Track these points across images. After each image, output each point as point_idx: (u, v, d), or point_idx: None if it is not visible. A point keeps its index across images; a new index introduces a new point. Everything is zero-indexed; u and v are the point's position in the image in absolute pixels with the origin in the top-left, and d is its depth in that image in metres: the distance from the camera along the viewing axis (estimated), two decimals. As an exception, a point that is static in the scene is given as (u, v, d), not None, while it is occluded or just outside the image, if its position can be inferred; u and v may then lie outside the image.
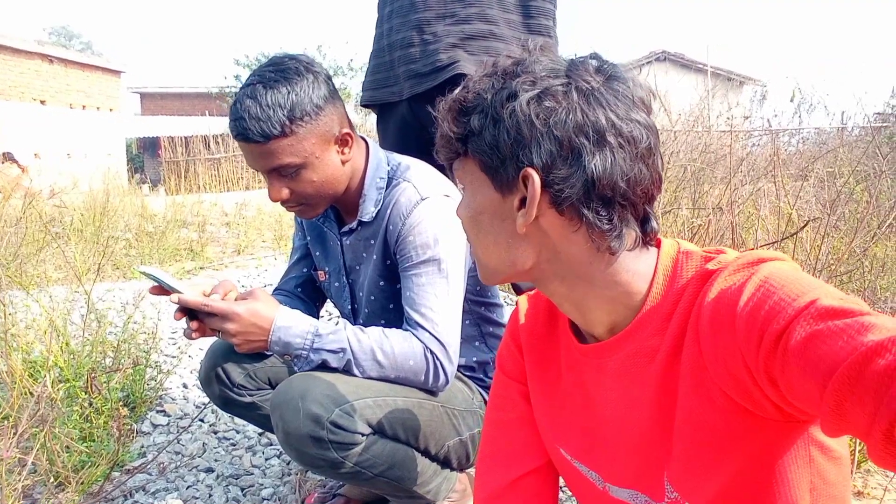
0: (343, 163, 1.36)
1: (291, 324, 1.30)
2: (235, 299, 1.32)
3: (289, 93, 1.25)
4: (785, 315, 0.61)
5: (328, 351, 1.30)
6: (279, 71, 1.28)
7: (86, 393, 2.08)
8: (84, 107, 17.10)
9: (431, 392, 1.40)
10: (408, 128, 1.79)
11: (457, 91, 0.80)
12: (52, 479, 1.65)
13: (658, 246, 0.83)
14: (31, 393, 1.91)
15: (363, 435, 1.27)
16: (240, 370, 1.54)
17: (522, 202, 0.76)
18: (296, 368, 1.34)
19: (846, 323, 0.57)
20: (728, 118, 5.38)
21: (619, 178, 0.74)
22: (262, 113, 1.23)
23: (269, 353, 1.50)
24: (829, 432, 0.59)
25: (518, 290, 1.46)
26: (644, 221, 0.79)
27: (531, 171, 0.73)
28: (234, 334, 1.27)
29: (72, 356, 2.23)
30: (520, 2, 1.66)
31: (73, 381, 2.09)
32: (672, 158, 3.98)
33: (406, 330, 1.35)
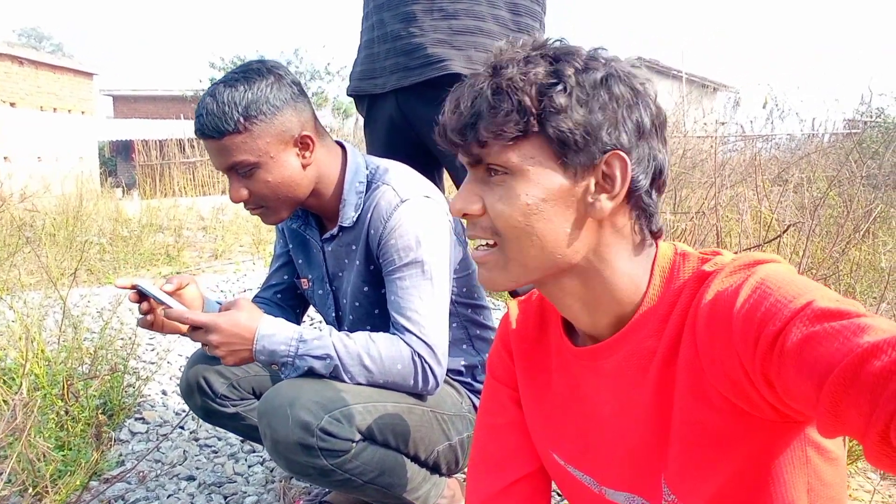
0: (304, 166, 1.35)
1: (275, 331, 1.28)
2: (220, 310, 1.30)
3: (245, 91, 1.26)
4: (781, 317, 0.61)
5: (314, 357, 1.28)
6: (243, 72, 1.30)
7: (62, 401, 2.03)
8: (55, 109, 16.78)
9: (420, 396, 1.39)
10: (395, 127, 1.78)
11: (517, 67, 0.73)
12: (29, 489, 1.60)
13: (656, 247, 0.83)
14: (5, 401, 1.85)
15: (353, 442, 1.25)
16: (222, 380, 1.52)
17: (599, 187, 0.75)
18: (283, 376, 1.32)
19: (842, 324, 0.57)
20: (704, 124, 5.44)
21: (667, 167, 0.78)
22: (218, 109, 1.25)
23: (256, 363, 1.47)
24: (825, 433, 0.59)
25: (514, 294, 1.45)
26: (651, 216, 0.81)
27: (621, 152, 0.74)
28: (217, 345, 1.24)
29: (47, 363, 2.17)
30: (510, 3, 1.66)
31: (49, 388, 2.03)
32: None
33: (393, 334, 1.34)
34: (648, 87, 0.77)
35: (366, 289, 1.45)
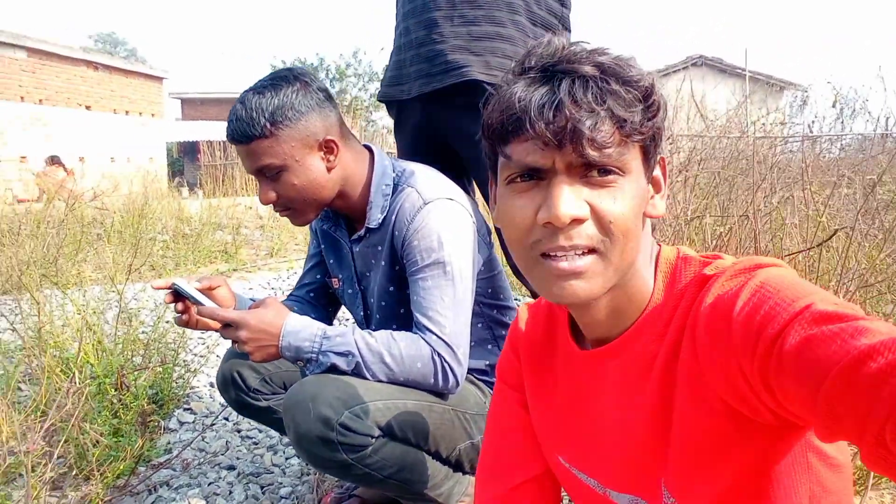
0: (329, 170, 1.40)
1: (300, 328, 1.33)
2: (249, 308, 1.36)
3: (272, 97, 1.32)
4: (780, 320, 0.61)
5: (336, 353, 1.32)
6: (271, 80, 1.36)
7: (116, 389, 2.14)
8: (127, 112, 17.59)
9: (442, 395, 1.41)
10: (422, 132, 1.82)
11: (634, 69, 0.72)
12: (79, 472, 1.71)
13: (658, 251, 0.84)
14: (60, 389, 1.98)
15: (372, 437, 1.29)
16: (255, 375, 1.59)
17: (656, 188, 0.80)
18: (307, 372, 1.37)
19: (840, 327, 0.56)
20: (762, 124, 5.27)
21: None
22: (246, 115, 1.31)
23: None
24: (823, 437, 0.59)
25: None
26: None
27: (663, 154, 0.78)
28: (245, 341, 1.30)
29: (104, 354, 2.30)
30: (527, 5, 1.67)
31: (104, 377, 2.16)
32: (703, 165, 3.93)
33: (415, 333, 1.37)
34: None
35: (391, 288, 1.48)
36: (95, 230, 5.91)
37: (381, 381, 1.34)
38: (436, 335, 1.35)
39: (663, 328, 0.79)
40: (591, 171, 0.71)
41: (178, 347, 2.48)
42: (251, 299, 1.48)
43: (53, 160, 13.21)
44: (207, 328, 1.38)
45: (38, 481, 1.46)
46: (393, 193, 1.45)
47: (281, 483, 1.87)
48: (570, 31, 1.79)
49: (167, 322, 2.66)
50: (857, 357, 0.53)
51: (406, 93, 1.79)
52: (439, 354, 1.34)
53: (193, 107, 26.23)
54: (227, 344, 3.07)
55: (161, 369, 2.35)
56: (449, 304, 1.36)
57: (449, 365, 1.35)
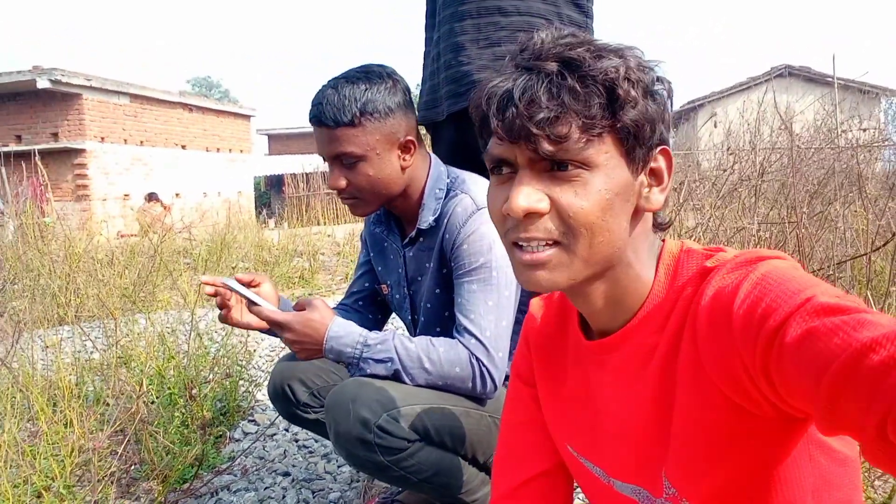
0: (402, 168, 1.44)
1: (343, 334, 1.37)
2: (295, 306, 1.42)
3: (366, 90, 1.37)
4: (781, 312, 0.61)
5: (375, 360, 1.36)
6: (363, 72, 1.41)
7: (185, 401, 2.30)
8: (218, 149, 18.66)
9: (480, 401, 1.43)
10: (456, 150, 1.88)
11: (602, 61, 0.72)
12: (147, 473, 1.85)
13: (662, 245, 0.85)
14: (132, 397, 2.15)
15: (409, 441, 1.32)
16: (304, 389, 1.63)
17: (647, 180, 0.79)
18: (350, 375, 1.42)
19: (842, 320, 0.56)
20: (844, 130, 5.03)
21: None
22: (339, 101, 1.35)
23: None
24: (824, 430, 0.59)
25: None
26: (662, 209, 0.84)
27: (667, 146, 0.78)
28: (291, 342, 1.37)
29: (176, 368, 2.48)
30: (549, 24, 1.72)
31: (175, 388, 2.32)
32: (774, 175, 3.79)
33: (454, 337, 1.40)
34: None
35: (437, 291, 1.52)
36: (185, 260, 6.30)
37: (420, 385, 1.37)
38: (475, 338, 1.37)
39: (664, 320, 0.79)
40: (555, 166, 0.74)
41: (245, 363, 2.63)
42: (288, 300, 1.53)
43: (151, 197, 14.15)
44: (250, 327, 1.43)
45: (105, 478, 1.61)
46: (445, 198, 1.49)
47: (331, 489, 1.95)
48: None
49: (237, 337, 2.83)
50: (859, 350, 0.53)
51: (440, 114, 1.87)
52: (477, 358, 1.36)
53: (280, 142, 27.50)
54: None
55: (227, 383, 2.50)
56: (492, 308, 1.39)
57: (487, 369, 1.37)
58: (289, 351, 1.51)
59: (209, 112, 18.44)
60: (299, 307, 1.41)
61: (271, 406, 2.65)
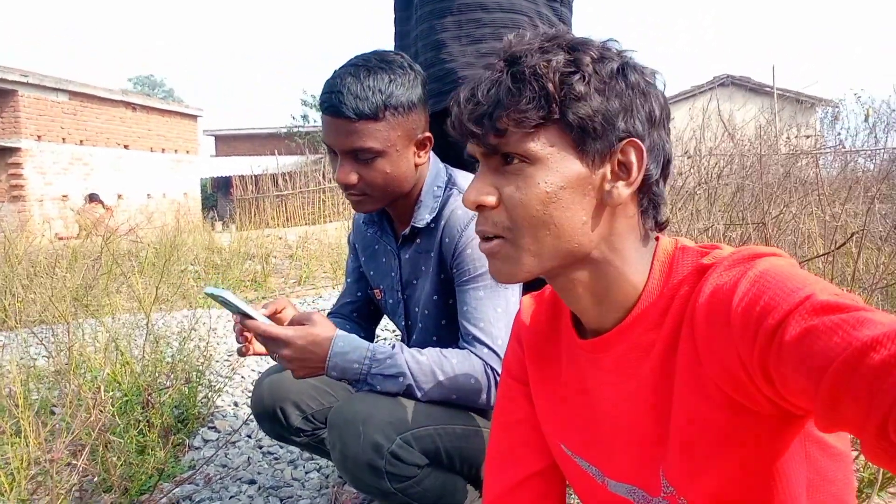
0: (416, 165, 1.37)
1: (348, 349, 1.27)
2: (291, 321, 1.30)
3: (390, 81, 1.26)
4: (780, 310, 0.61)
5: (385, 376, 1.27)
6: (384, 61, 1.30)
7: (142, 408, 2.21)
8: (163, 150, 18.12)
9: (484, 412, 1.38)
10: (437, 148, 1.86)
11: (536, 56, 0.74)
12: (103, 485, 1.76)
13: (657, 243, 0.84)
14: (91, 406, 2.04)
15: (419, 467, 1.26)
16: (298, 413, 1.53)
17: (615, 175, 0.77)
18: (353, 391, 1.34)
19: (842, 318, 0.56)
20: (786, 139, 5.24)
21: (672, 157, 0.80)
22: (362, 92, 1.23)
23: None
24: (823, 428, 0.59)
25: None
26: (659, 206, 0.82)
27: (637, 140, 0.75)
28: (289, 360, 1.25)
29: (131, 375, 2.37)
30: (531, 21, 1.72)
31: (131, 396, 2.22)
32: (726, 180, 3.90)
33: (463, 347, 1.33)
34: (658, 79, 0.80)
35: (435, 297, 1.45)
36: (130, 262, 6.08)
37: (432, 399, 1.30)
38: (487, 347, 1.31)
39: (660, 318, 0.79)
40: (505, 161, 0.77)
41: (204, 368, 2.54)
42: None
43: (92, 198, 13.63)
44: (261, 354, 1.32)
45: (63, 491, 1.51)
46: (443, 196, 1.43)
47: (300, 496, 1.90)
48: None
49: (192, 342, 2.73)
50: (860, 349, 0.53)
51: None
52: (492, 368, 1.30)
53: (227, 143, 26.90)
54: (253, 364, 3.13)
55: (186, 389, 2.41)
56: (501, 315, 1.33)
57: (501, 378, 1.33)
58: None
59: (153, 111, 17.89)
60: (296, 322, 1.29)
61: (232, 413, 2.57)
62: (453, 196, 1.41)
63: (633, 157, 0.76)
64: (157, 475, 1.89)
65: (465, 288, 1.35)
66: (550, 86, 0.72)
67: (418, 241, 1.45)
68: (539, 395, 1.00)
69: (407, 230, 1.44)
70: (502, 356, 1.28)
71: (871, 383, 0.51)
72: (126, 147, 16.60)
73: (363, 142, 1.27)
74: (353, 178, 1.30)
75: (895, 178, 4.31)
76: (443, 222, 1.39)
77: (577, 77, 0.73)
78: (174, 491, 1.92)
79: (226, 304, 1.24)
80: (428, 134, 1.37)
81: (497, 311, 1.33)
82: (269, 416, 1.53)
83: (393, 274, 1.54)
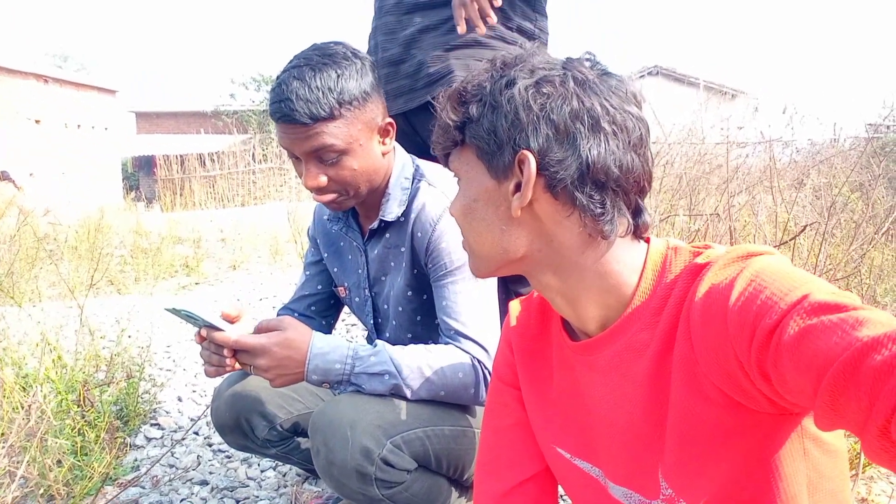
0: (383, 154, 1.32)
1: (328, 349, 1.21)
2: (258, 328, 1.22)
3: (338, 77, 1.21)
4: (777, 310, 0.61)
5: (370, 375, 1.22)
6: (327, 55, 1.23)
7: (78, 406, 2.05)
8: (79, 126, 17.10)
9: (469, 410, 1.36)
10: (407, 141, 1.79)
11: (457, 84, 0.82)
12: (42, 492, 1.62)
13: (648, 242, 0.84)
14: (22, 406, 1.88)
15: (409, 472, 1.22)
16: (265, 424, 1.47)
17: (518, 187, 0.78)
18: (335, 394, 1.27)
19: (840, 318, 0.57)
20: (721, 129, 5.42)
21: (612, 163, 0.75)
22: (311, 95, 1.18)
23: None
24: (822, 427, 0.59)
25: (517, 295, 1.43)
26: (636, 213, 0.80)
27: (527, 153, 0.75)
28: (266, 369, 1.18)
29: (64, 370, 2.20)
30: (503, 13, 1.67)
31: (66, 394, 2.06)
32: (667, 169, 3.99)
33: (446, 342, 1.30)
34: (605, 89, 0.76)
35: (409, 293, 1.40)
36: (49, 246, 5.70)
37: (421, 397, 1.26)
38: (472, 341, 1.28)
39: (654, 319, 0.78)
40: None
41: (144, 361, 2.38)
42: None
43: (2, 176, 12.75)
44: (234, 369, 1.22)
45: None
46: (411, 188, 1.37)
47: (258, 496, 1.81)
48: (547, 33, 1.79)
49: (130, 336, 2.57)
50: (860, 349, 0.53)
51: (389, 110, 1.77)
52: (479, 361, 1.27)
53: (149, 120, 25.72)
54: (196, 357, 2.97)
55: (126, 384, 2.26)
56: (481, 308, 1.31)
57: (489, 371, 1.28)
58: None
59: (68, 85, 16.82)
60: (264, 329, 1.21)
61: (176, 409, 2.43)
62: (422, 188, 1.36)
63: (522, 173, 0.77)
64: (100, 479, 1.75)
65: (443, 283, 1.32)
66: (444, 115, 0.82)
67: (387, 235, 1.39)
68: (531, 399, 0.99)
69: (375, 224, 1.38)
70: (487, 349, 1.27)
71: (872, 384, 0.52)
72: (37, 122, 15.57)
73: (323, 142, 1.21)
74: (322, 180, 1.25)
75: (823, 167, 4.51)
76: (413, 216, 1.35)
77: (475, 101, 0.78)
78: (119, 495, 1.79)
79: (189, 318, 1.15)
80: (389, 120, 1.32)
81: (476, 303, 1.30)
82: (232, 428, 1.46)
83: (360, 271, 1.48)
